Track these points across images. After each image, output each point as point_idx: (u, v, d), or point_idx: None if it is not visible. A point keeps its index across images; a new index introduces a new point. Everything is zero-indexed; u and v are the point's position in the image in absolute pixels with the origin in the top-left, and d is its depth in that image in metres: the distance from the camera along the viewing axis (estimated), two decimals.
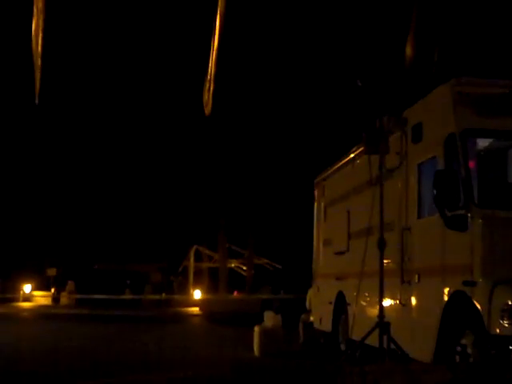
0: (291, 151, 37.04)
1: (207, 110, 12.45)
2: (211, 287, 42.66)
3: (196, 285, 43.70)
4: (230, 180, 39.34)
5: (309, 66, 31.64)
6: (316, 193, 16.97)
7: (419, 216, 9.89)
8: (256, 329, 14.96)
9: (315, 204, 17.02)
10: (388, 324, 8.95)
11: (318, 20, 28.12)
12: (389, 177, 10.47)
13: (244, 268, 43.99)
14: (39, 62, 12.20)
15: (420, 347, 9.26)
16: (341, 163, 14.46)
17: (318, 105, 33.82)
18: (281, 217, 41.35)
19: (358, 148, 12.65)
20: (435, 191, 8.61)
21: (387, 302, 10.07)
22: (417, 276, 9.69)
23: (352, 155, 13.47)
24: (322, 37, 28.23)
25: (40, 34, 12.02)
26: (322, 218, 16.30)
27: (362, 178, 11.92)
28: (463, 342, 8.35)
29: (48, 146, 43.76)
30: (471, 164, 8.71)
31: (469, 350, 8.22)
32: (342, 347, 13.44)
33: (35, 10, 11.95)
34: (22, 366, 11.88)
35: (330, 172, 15.57)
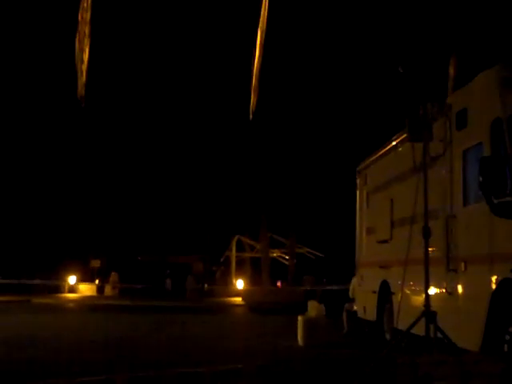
0: (333, 139, 36.90)
1: (252, 109, 12.48)
2: (253, 277, 42.73)
3: (238, 275, 43.84)
4: (271, 170, 39.35)
5: (351, 53, 31.45)
6: (358, 181, 16.85)
7: (465, 203, 9.74)
8: (299, 318, 14.94)
9: (357, 192, 16.90)
10: (434, 313, 8.83)
11: (360, 7, 27.92)
12: (433, 164, 10.31)
13: (286, 257, 43.96)
14: (84, 66, 12.34)
15: (467, 336, 9.14)
16: (383, 151, 14.32)
17: (359, 93, 33.61)
18: (322, 205, 41.25)
19: (401, 135, 12.51)
20: (481, 178, 8.47)
21: (433, 291, 9.94)
22: (463, 264, 9.55)
23: (394, 143, 13.33)
24: (364, 24, 28.04)
25: (86, 42, 12.17)
26: (364, 206, 16.18)
27: (406, 166, 11.78)
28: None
29: (94, 140, 44.44)
30: None
31: None
32: (387, 336, 13.35)
33: (80, 17, 12.09)
34: (71, 355, 12.04)
35: (372, 160, 15.43)
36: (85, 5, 12.32)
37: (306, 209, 41.53)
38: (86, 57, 12.46)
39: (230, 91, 34.09)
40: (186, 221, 49.16)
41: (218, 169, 43.70)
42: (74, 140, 43.96)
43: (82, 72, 12.60)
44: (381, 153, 14.53)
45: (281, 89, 35.52)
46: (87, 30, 12.16)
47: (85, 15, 12.13)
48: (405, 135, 11.21)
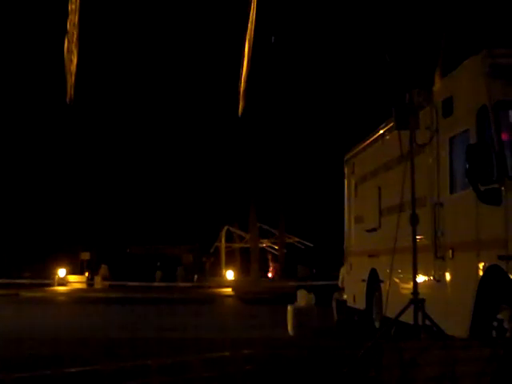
0: (320, 129, 36.93)
1: (241, 106, 12.48)
2: (243, 267, 42.79)
3: (228, 265, 43.87)
4: (259, 160, 39.35)
5: (337, 41, 31.45)
6: (346, 170, 16.86)
7: (452, 191, 9.76)
8: (289, 308, 14.97)
9: (345, 181, 16.92)
10: (423, 300, 8.86)
11: None
12: (420, 152, 10.32)
13: (275, 247, 44.02)
14: (73, 66, 12.30)
15: (455, 323, 9.18)
16: (370, 139, 14.33)
17: (346, 81, 33.62)
18: (311, 195, 41.31)
19: (388, 124, 12.52)
20: (468, 165, 8.49)
21: (421, 279, 9.97)
22: (450, 251, 9.58)
23: (381, 131, 13.34)
24: (351, 12, 28.03)
25: (74, 41, 12.13)
26: (352, 195, 16.20)
27: (393, 154, 11.80)
28: (499, 316, 8.26)
29: (83, 134, 44.42)
30: (504, 136, 8.54)
31: (505, 325, 8.12)
32: (377, 325, 13.39)
33: (69, 17, 12.06)
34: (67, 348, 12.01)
35: (359, 149, 15.44)
36: (73, 6, 12.28)
37: (295, 198, 41.59)
38: (74, 57, 12.43)
39: (219, 83, 34.12)
40: (175, 212, 49.13)
41: (206, 159, 43.71)
42: (63, 134, 43.89)
43: (71, 72, 12.57)
44: (368, 141, 14.54)
45: (268, 78, 35.51)
46: (76, 31, 12.12)
47: (73, 16, 12.08)
48: (391, 123, 11.21)
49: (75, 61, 12.65)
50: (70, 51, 12.44)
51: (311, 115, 37.23)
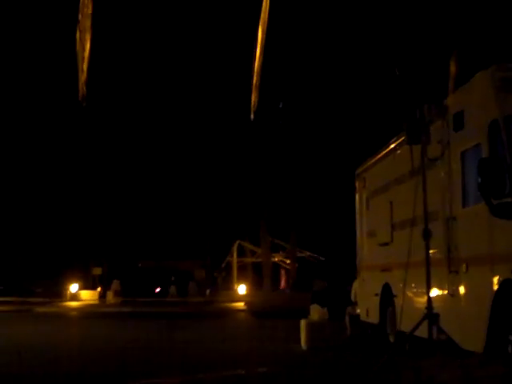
0: (331, 143, 36.95)
1: (253, 108, 12.58)
2: (255, 282, 42.73)
3: (240, 280, 43.82)
4: (270, 174, 39.39)
5: (348, 56, 31.52)
6: (357, 184, 16.85)
7: (464, 205, 9.76)
8: (302, 322, 14.93)
9: (356, 196, 16.91)
10: (437, 315, 8.86)
11: (355, 11, 27.99)
12: (431, 166, 10.34)
13: (287, 261, 43.96)
14: (85, 65, 12.40)
15: (470, 337, 9.14)
16: (381, 154, 14.35)
17: (357, 96, 33.66)
18: (322, 209, 41.27)
19: (399, 138, 12.54)
20: (480, 179, 8.49)
21: (435, 293, 9.95)
22: (464, 265, 9.56)
23: (393, 145, 13.35)
24: (362, 27, 28.09)
25: (87, 39, 12.24)
26: (364, 209, 16.19)
27: (404, 169, 11.81)
28: None
29: (93, 149, 44.53)
30: None
31: None
32: (391, 339, 13.35)
33: (81, 16, 12.17)
34: (83, 365, 12.05)
35: (370, 163, 15.45)
36: (85, 2, 12.39)
37: (307, 212, 41.56)
38: (86, 55, 12.52)
39: (231, 95, 34.19)
40: (187, 227, 49.21)
41: (217, 174, 43.76)
42: (75, 145, 44.04)
43: (82, 71, 12.66)
44: (379, 156, 14.55)
45: (280, 93, 35.61)
46: (88, 29, 12.21)
47: (85, 14, 12.19)
48: (403, 138, 11.24)
49: (87, 58, 12.72)
50: (82, 49, 12.51)
51: (323, 129, 37.28)
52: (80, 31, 12.57)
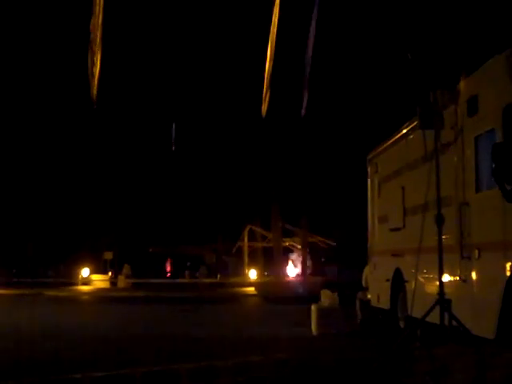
0: (343, 127, 36.81)
1: (264, 106, 12.54)
2: (266, 266, 42.74)
3: (251, 265, 43.86)
4: (282, 159, 39.27)
5: (360, 40, 31.33)
6: (369, 169, 16.78)
7: (477, 190, 9.68)
8: (313, 308, 14.94)
9: (368, 181, 16.84)
10: (449, 301, 8.81)
11: None
12: (444, 151, 10.26)
13: (298, 246, 43.91)
14: (96, 68, 12.43)
15: (482, 323, 9.10)
16: (394, 139, 14.25)
17: (369, 80, 33.49)
18: (334, 194, 41.17)
19: (412, 123, 12.45)
20: (494, 164, 8.42)
21: (447, 279, 9.90)
22: (477, 251, 9.50)
23: (405, 130, 13.26)
24: (375, 10, 27.90)
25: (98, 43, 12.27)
26: (375, 194, 16.12)
27: (417, 154, 11.73)
28: None
29: (106, 133, 44.74)
30: None
31: None
32: (401, 324, 13.33)
33: (93, 21, 12.19)
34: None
35: (382, 148, 15.37)
36: (97, 9, 12.41)
37: (318, 197, 41.47)
38: (98, 60, 12.55)
39: (243, 82, 34.11)
40: (198, 211, 49.25)
41: (229, 159, 43.74)
42: (87, 134, 44.24)
43: (93, 75, 12.71)
44: (391, 141, 14.46)
45: (291, 76, 35.44)
46: (99, 34, 12.24)
47: (97, 19, 12.22)
48: (415, 123, 11.15)
49: (98, 62, 12.77)
50: (93, 53, 12.56)
51: (334, 114, 37.14)
52: (92, 36, 12.61)
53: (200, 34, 37.68)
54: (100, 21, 12.22)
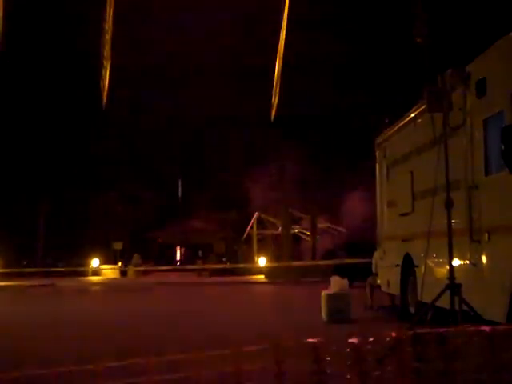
0: (351, 112, 36.69)
1: (273, 111, 12.51)
2: (276, 254, 42.67)
3: (260, 252, 43.82)
4: (289, 144, 39.16)
5: (370, 22, 31.17)
6: (377, 154, 16.69)
7: (487, 173, 9.58)
8: (323, 294, 14.89)
9: (377, 165, 16.75)
10: (459, 285, 8.74)
11: None
12: (453, 134, 10.15)
13: (307, 233, 43.84)
14: (106, 71, 12.49)
15: (492, 307, 9.03)
16: (402, 123, 14.15)
17: (377, 63, 33.34)
18: (342, 179, 41.06)
19: (420, 106, 12.34)
20: (503, 147, 8.32)
21: (456, 263, 9.82)
22: (486, 235, 9.41)
23: (413, 114, 13.15)
24: None
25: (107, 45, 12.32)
26: (384, 179, 16.04)
27: (425, 137, 11.64)
28: None
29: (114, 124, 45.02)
30: None
31: None
32: (412, 310, 13.26)
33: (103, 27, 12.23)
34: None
35: (391, 132, 15.27)
36: (107, 17, 12.49)
37: (326, 182, 41.37)
38: (108, 63, 12.63)
39: (253, 86, 34.16)
40: (206, 200, 49.23)
41: (236, 144, 43.74)
42: (98, 126, 44.54)
43: (104, 77, 12.79)
44: (400, 125, 14.36)
45: (302, 60, 35.39)
46: (109, 38, 12.31)
47: (107, 26, 12.30)
48: (424, 106, 11.04)
49: (108, 66, 12.78)
50: (105, 58, 12.59)
51: (342, 97, 36.99)
52: (102, 40, 12.70)
53: (205, 35, 37.64)
54: (110, 26, 12.26)
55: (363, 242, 26.28)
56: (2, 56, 34.69)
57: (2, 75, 35.63)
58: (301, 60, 33.91)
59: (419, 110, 12.48)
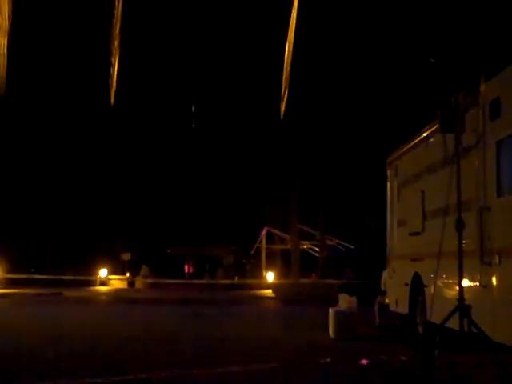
0: (363, 130, 36.68)
1: (283, 106, 12.60)
2: (284, 269, 42.61)
3: (268, 267, 43.75)
4: (300, 161, 39.19)
5: (382, 42, 31.22)
6: (388, 172, 16.66)
7: (499, 195, 9.55)
8: (331, 311, 14.84)
9: (388, 184, 16.72)
10: (469, 307, 8.69)
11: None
12: (465, 155, 10.12)
13: (316, 249, 43.76)
14: (115, 69, 12.59)
15: (502, 330, 8.97)
16: (414, 142, 14.13)
17: (390, 83, 33.36)
18: (352, 196, 41.02)
19: (432, 126, 12.32)
20: None
21: (466, 284, 9.77)
22: (497, 256, 9.36)
23: (425, 133, 13.13)
24: (395, 13, 27.77)
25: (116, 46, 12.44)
26: (395, 197, 16.01)
27: (437, 157, 11.61)
28: None
29: (121, 138, 45.11)
30: None
31: None
32: (420, 330, 13.19)
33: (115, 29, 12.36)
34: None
35: (402, 151, 15.25)
36: (115, 18, 12.58)
37: (336, 200, 41.33)
38: (116, 61, 12.70)
39: (262, 84, 34.19)
40: (216, 213, 49.25)
41: (247, 160, 43.73)
42: (106, 137, 44.60)
43: (112, 76, 12.87)
44: (411, 144, 14.34)
45: (311, 78, 35.42)
46: (117, 36, 12.39)
47: (116, 33, 12.39)
48: (436, 126, 11.02)
49: (116, 65, 12.86)
50: (113, 59, 12.68)
51: (354, 116, 37.00)
52: (112, 40, 12.78)
53: (216, 36, 37.76)
54: (118, 25, 12.35)
55: (372, 260, 26.21)
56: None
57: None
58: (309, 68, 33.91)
59: (431, 130, 12.46)
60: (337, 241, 43.99)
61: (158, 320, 19.53)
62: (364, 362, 4.40)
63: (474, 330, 8.67)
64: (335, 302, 15.60)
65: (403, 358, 4.60)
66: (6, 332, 15.10)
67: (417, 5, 25.21)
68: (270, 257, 45.96)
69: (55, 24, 37.43)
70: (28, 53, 37.25)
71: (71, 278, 40.38)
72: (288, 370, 4.34)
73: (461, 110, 9.66)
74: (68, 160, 46.09)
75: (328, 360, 4.49)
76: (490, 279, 9.59)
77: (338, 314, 14.63)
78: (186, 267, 54.89)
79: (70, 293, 33.04)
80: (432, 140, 12.58)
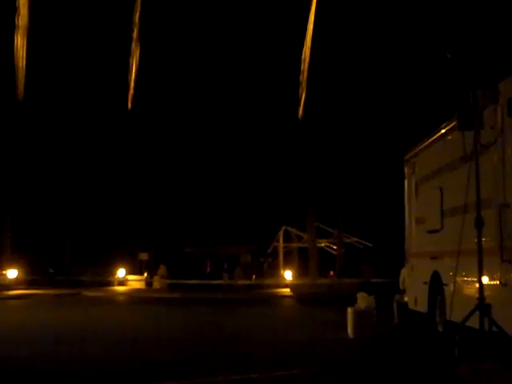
0: (380, 127, 36.54)
1: (300, 108, 12.57)
2: (301, 267, 42.50)
3: (286, 266, 43.68)
4: (317, 159, 39.09)
5: (399, 38, 31.06)
6: (406, 170, 16.57)
7: None
8: (349, 310, 14.76)
9: (406, 181, 16.63)
10: (489, 306, 8.61)
11: None
12: (484, 152, 10.04)
13: (334, 247, 43.63)
14: (133, 73, 12.62)
15: None
16: (432, 139, 14.04)
17: (408, 79, 33.19)
18: (370, 194, 40.88)
19: (450, 123, 12.23)
20: None
21: (486, 282, 9.68)
22: None
23: (443, 131, 13.05)
24: (412, 8, 27.60)
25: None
26: (413, 195, 15.91)
27: (455, 155, 11.52)
28: None
29: (142, 135, 45.27)
30: None
31: None
32: (440, 328, 13.11)
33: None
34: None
35: (420, 148, 15.15)
36: (134, 23, 12.65)
37: (354, 198, 41.21)
38: (134, 66, 12.74)
39: (280, 85, 34.16)
40: (233, 212, 49.25)
41: (263, 159, 43.73)
42: (124, 136, 44.73)
43: (129, 80, 12.91)
44: (429, 141, 14.25)
45: (329, 74, 35.31)
46: (136, 39, 12.44)
47: (136, 38, 12.42)
48: (454, 123, 10.94)
49: (135, 69, 12.90)
50: (131, 62, 12.72)
51: (372, 113, 36.89)
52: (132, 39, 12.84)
53: (234, 38, 37.74)
54: (136, 32, 12.41)
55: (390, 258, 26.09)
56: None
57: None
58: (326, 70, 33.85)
59: (450, 127, 12.38)
60: (354, 239, 43.84)
61: (174, 324, 19.52)
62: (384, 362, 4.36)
63: (495, 328, 8.60)
64: (354, 301, 15.51)
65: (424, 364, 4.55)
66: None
67: (435, 1, 25.05)
68: (287, 255, 45.87)
69: (73, 27, 37.59)
70: (45, 56, 37.43)
71: (89, 278, 40.58)
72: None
73: (479, 108, 9.59)
74: (86, 161, 46.32)
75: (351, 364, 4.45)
76: (510, 277, 9.51)
77: (356, 313, 14.55)
78: (205, 266, 54.94)
79: (89, 293, 33.19)
80: (450, 137, 12.50)
